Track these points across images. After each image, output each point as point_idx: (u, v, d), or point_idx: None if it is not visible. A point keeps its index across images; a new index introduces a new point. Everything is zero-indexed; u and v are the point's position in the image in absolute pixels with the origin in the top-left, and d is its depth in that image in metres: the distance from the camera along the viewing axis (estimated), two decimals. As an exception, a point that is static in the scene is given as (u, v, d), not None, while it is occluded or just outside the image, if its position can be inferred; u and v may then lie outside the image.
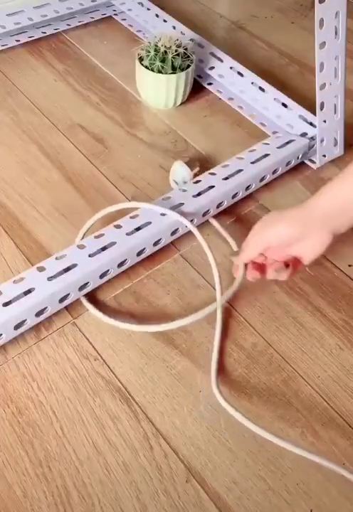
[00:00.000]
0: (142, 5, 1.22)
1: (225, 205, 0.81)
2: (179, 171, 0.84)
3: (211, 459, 0.59)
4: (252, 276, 0.67)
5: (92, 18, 1.20)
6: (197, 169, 0.84)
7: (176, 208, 0.76)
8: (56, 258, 0.68)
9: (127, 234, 0.72)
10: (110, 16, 1.22)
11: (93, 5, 1.21)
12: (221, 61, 1.07)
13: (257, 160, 0.84)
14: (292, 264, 0.65)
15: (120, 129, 0.95)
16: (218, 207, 0.80)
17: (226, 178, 0.81)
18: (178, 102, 1.00)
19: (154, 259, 0.76)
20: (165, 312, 0.71)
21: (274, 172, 0.86)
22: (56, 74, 1.06)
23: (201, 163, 0.87)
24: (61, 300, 0.67)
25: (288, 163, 0.88)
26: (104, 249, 0.70)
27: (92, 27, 1.19)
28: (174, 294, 0.73)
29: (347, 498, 0.57)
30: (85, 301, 0.70)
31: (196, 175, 0.83)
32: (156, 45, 0.95)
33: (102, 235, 0.72)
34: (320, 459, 0.59)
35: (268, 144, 0.88)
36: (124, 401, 0.63)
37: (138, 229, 0.73)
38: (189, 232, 0.78)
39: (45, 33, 1.13)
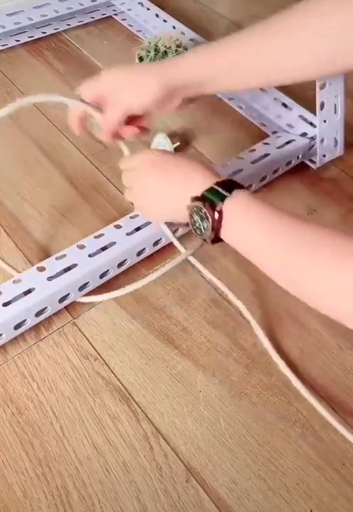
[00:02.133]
0: (142, 5, 1.22)
1: (225, 205, 0.81)
2: (161, 142, 0.87)
3: (211, 459, 0.59)
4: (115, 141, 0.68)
5: (92, 18, 1.20)
6: (178, 143, 0.88)
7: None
8: (56, 258, 0.68)
9: (127, 234, 0.72)
10: (110, 16, 1.22)
11: (93, 5, 1.21)
12: (221, 61, 1.06)
13: (257, 160, 0.84)
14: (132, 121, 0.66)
15: (120, 129, 0.95)
16: (218, 207, 0.80)
17: (226, 178, 0.81)
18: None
19: (154, 259, 0.76)
20: (165, 312, 0.71)
21: (274, 172, 0.86)
22: (56, 74, 1.05)
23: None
24: (61, 300, 0.67)
25: (288, 163, 0.88)
26: (104, 249, 0.70)
27: (92, 27, 1.19)
28: (174, 294, 0.73)
29: (347, 498, 0.57)
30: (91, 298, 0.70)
31: (176, 149, 0.88)
32: (156, 45, 0.95)
33: (102, 235, 0.72)
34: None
35: (268, 143, 0.88)
36: (124, 401, 0.63)
37: (138, 229, 0.73)
38: (189, 233, 0.78)
39: (45, 33, 1.13)
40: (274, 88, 0.99)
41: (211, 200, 0.50)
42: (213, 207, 0.49)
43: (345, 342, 0.70)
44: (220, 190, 0.50)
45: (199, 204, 0.50)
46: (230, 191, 0.49)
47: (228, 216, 0.49)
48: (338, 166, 0.93)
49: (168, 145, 0.86)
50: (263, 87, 0.66)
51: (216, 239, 0.51)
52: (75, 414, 0.61)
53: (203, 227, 0.50)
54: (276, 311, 0.72)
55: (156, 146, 0.87)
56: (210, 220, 0.49)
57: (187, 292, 0.73)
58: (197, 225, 0.51)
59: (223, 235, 0.50)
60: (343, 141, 0.93)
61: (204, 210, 0.50)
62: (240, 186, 0.51)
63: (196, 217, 0.51)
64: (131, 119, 0.67)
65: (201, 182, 0.52)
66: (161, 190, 0.57)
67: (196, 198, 0.51)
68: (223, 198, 0.49)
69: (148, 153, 0.62)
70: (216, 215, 0.49)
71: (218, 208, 0.49)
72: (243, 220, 0.49)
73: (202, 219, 0.50)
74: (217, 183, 0.51)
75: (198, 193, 0.51)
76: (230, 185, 0.51)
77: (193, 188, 0.52)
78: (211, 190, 0.50)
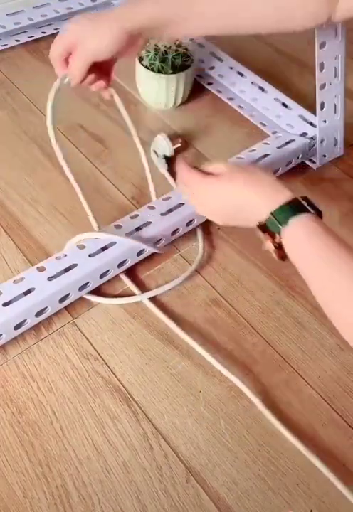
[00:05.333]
0: (142, 5, 1.22)
1: (225, 205, 0.81)
2: (161, 143, 0.87)
3: (211, 459, 0.59)
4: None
5: (92, 18, 1.20)
6: (179, 145, 0.88)
7: (176, 208, 0.76)
8: (56, 258, 0.68)
9: (127, 234, 0.72)
10: (110, 16, 1.22)
11: (93, 5, 1.21)
12: (221, 61, 1.07)
13: (258, 160, 0.84)
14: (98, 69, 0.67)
15: (120, 129, 0.95)
16: (218, 207, 0.80)
17: (226, 178, 0.81)
18: (178, 102, 1.00)
19: (154, 259, 0.76)
20: (165, 312, 0.71)
21: (274, 172, 0.86)
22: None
23: (201, 163, 0.87)
24: (61, 300, 0.67)
25: (288, 163, 0.88)
26: (104, 249, 0.70)
27: (92, 27, 1.19)
28: (174, 294, 0.73)
29: (347, 498, 0.57)
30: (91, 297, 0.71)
31: (177, 150, 0.87)
32: (156, 45, 0.95)
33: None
34: (320, 459, 0.59)
35: (268, 143, 0.88)
36: (124, 401, 0.63)
37: (138, 229, 0.73)
38: (189, 233, 0.78)
39: (45, 33, 1.13)
40: (274, 88, 0.99)
41: (271, 229, 0.53)
42: (273, 236, 0.53)
43: (345, 342, 0.70)
44: (276, 222, 0.52)
45: (261, 235, 0.54)
46: (287, 220, 0.51)
47: (289, 244, 0.52)
48: (338, 166, 0.93)
49: (168, 146, 0.86)
50: (221, 34, 0.67)
51: (284, 258, 0.54)
52: (75, 414, 0.61)
53: (269, 248, 0.54)
54: (276, 310, 0.72)
55: (155, 146, 0.87)
56: (271, 250, 0.54)
57: (187, 292, 0.73)
58: (262, 237, 0.55)
59: (289, 256, 0.53)
60: (343, 141, 0.93)
61: (265, 241, 0.54)
62: (300, 207, 0.52)
63: (260, 234, 0.54)
64: (98, 68, 0.68)
65: (262, 209, 0.54)
66: (232, 203, 0.59)
67: (259, 225, 0.54)
68: (279, 230, 0.52)
69: (208, 187, 0.61)
70: (276, 247, 0.53)
71: (277, 240, 0.53)
72: (304, 248, 0.51)
73: (265, 239, 0.54)
74: (278, 210, 0.52)
75: (261, 217, 0.54)
76: (290, 209, 0.52)
77: (258, 210, 0.54)
78: (269, 219, 0.53)
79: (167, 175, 0.85)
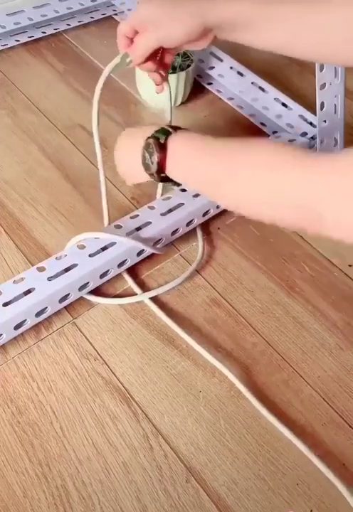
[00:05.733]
0: (142, 5, 1.22)
1: (225, 205, 0.81)
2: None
3: (211, 459, 0.59)
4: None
5: (92, 18, 1.20)
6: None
7: (176, 208, 0.76)
8: (56, 258, 0.68)
9: (128, 234, 0.72)
10: (110, 16, 1.22)
11: (93, 5, 1.21)
12: (221, 61, 1.07)
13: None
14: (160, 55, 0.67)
15: (120, 129, 0.95)
16: (218, 207, 0.80)
17: (226, 178, 0.81)
18: (178, 102, 1.00)
19: (154, 259, 0.76)
20: (165, 312, 0.71)
21: (274, 172, 0.86)
22: (56, 74, 1.05)
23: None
24: (61, 300, 0.67)
25: (288, 163, 0.88)
26: (104, 249, 0.70)
27: (92, 27, 1.19)
28: (174, 294, 0.73)
29: (347, 498, 0.57)
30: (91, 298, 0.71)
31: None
32: (156, 45, 0.95)
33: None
34: (320, 459, 0.59)
35: (268, 143, 0.88)
36: (124, 401, 0.63)
37: (138, 229, 0.73)
38: (189, 233, 0.78)
39: (45, 32, 1.13)
40: (274, 88, 0.99)
41: (157, 137, 0.56)
42: (159, 143, 0.56)
43: (345, 342, 0.70)
44: (167, 128, 0.56)
45: (149, 141, 0.56)
46: (176, 130, 0.56)
47: (172, 149, 0.55)
48: (338, 166, 0.93)
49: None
50: (300, 56, 0.67)
51: (162, 172, 0.57)
52: (75, 414, 0.61)
53: (151, 162, 0.56)
54: (276, 310, 0.72)
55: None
56: (155, 153, 0.55)
57: (187, 292, 0.73)
58: (146, 161, 0.57)
59: (168, 168, 0.56)
60: (343, 141, 0.93)
61: (151, 144, 0.56)
62: (186, 130, 0.57)
63: (146, 154, 0.57)
64: (156, 54, 0.66)
65: (153, 129, 0.58)
66: (127, 143, 0.65)
67: (147, 138, 0.57)
68: (168, 135, 0.55)
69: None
70: (160, 149, 0.55)
71: (161, 141, 0.55)
72: (184, 150, 0.55)
73: (151, 154, 0.56)
74: (168, 126, 0.57)
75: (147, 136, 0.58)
76: (177, 128, 0.57)
77: (150, 131, 0.58)
78: (159, 130, 0.57)
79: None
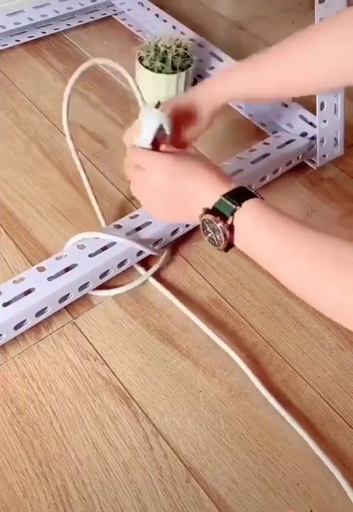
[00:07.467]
0: (142, 5, 1.22)
1: (225, 205, 0.81)
2: (150, 118, 0.65)
3: (211, 459, 0.59)
4: None
5: (92, 18, 1.20)
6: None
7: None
8: (56, 258, 0.68)
9: (127, 234, 0.72)
10: (110, 16, 1.22)
11: (93, 5, 1.21)
12: (221, 61, 1.07)
13: (257, 160, 0.84)
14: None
15: (120, 129, 0.95)
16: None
17: (226, 178, 0.81)
18: (179, 102, 1.00)
19: (154, 258, 0.76)
20: (165, 312, 0.71)
21: (274, 172, 0.86)
22: (56, 74, 1.05)
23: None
24: (61, 300, 0.67)
25: (288, 163, 0.88)
26: (104, 249, 0.70)
27: (92, 27, 1.19)
28: (174, 293, 0.73)
29: (347, 498, 0.57)
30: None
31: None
32: (156, 45, 0.95)
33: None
34: (320, 459, 0.59)
35: (268, 143, 0.88)
36: (124, 401, 0.63)
37: (138, 229, 0.73)
38: (189, 233, 0.78)
39: (45, 33, 1.13)
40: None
41: (222, 213, 0.50)
42: (224, 219, 0.50)
43: (345, 342, 0.70)
44: (229, 203, 0.50)
45: (211, 217, 0.51)
46: (240, 202, 0.50)
47: (239, 228, 0.50)
48: (338, 166, 0.93)
49: (163, 119, 0.63)
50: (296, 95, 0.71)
51: (229, 247, 0.53)
52: (75, 414, 0.61)
53: (216, 239, 0.52)
54: (276, 310, 0.72)
55: (145, 120, 0.65)
56: (222, 232, 0.50)
57: (187, 292, 0.73)
58: (210, 235, 0.52)
59: (235, 243, 0.51)
60: (343, 141, 0.93)
61: (215, 223, 0.50)
62: (251, 194, 0.51)
63: (209, 229, 0.52)
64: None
65: (214, 190, 0.52)
66: (174, 194, 0.57)
67: (207, 210, 0.52)
68: (233, 211, 0.50)
69: (159, 156, 0.59)
70: (227, 229, 0.50)
71: (229, 222, 0.50)
72: (254, 231, 0.50)
73: (214, 231, 0.51)
74: (228, 194, 0.51)
75: (210, 203, 0.52)
76: (240, 195, 0.51)
77: (206, 197, 0.53)
78: (221, 202, 0.51)
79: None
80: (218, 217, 0.50)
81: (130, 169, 0.61)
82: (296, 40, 0.63)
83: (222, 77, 0.68)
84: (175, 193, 0.56)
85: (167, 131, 0.61)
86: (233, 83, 0.66)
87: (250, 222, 0.49)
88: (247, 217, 0.50)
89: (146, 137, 0.60)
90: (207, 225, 0.52)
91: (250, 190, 0.52)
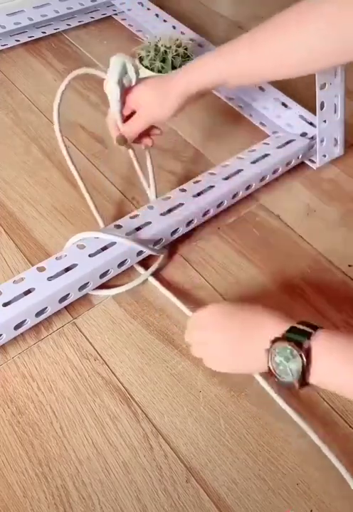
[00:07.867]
0: (142, 5, 1.22)
1: (225, 205, 0.81)
2: (119, 66, 0.66)
3: (211, 459, 0.59)
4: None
5: (92, 18, 1.20)
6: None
7: (176, 208, 0.76)
8: (56, 258, 0.68)
9: (127, 234, 0.72)
10: (110, 16, 1.22)
11: (93, 5, 1.21)
12: (221, 61, 1.06)
13: (257, 160, 0.84)
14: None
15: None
16: (218, 206, 0.80)
17: (226, 178, 0.81)
18: (178, 102, 1.00)
19: (154, 259, 0.76)
20: (165, 312, 0.71)
21: (274, 172, 0.86)
22: (56, 74, 1.06)
23: (201, 164, 0.87)
24: (61, 300, 0.67)
25: (288, 163, 0.88)
26: (104, 249, 0.70)
27: (92, 27, 1.19)
28: (174, 293, 0.73)
29: (347, 498, 0.57)
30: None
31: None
32: (156, 45, 0.95)
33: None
34: (320, 459, 0.59)
35: (268, 143, 0.88)
36: (124, 401, 0.63)
37: (138, 229, 0.73)
38: (189, 233, 0.78)
39: (45, 32, 1.13)
40: (274, 88, 0.99)
41: (296, 339, 0.48)
42: (299, 345, 0.48)
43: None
44: (304, 328, 0.49)
45: (284, 344, 0.48)
46: (313, 329, 0.49)
47: (315, 355, 0.48)
48: (338, 166, 0.93)
49: (126, 59, 0.66)
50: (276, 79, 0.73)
51: (304, 382, 0.49)
52: (75, 414, 0.61)
53: (290, 369, 0.48)
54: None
55: (114, 72, 0.66)
56: (299, 358, 0.47)
57: (187, 292, 0.73)
58: (281, 367, 0.49)
59: (312, 377, 0.48)
60: (343, 141, 0.93)
61: (291, 349, 0.48)
62: (315, 326, 0.50)
63: (280, 359, 0.49)
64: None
65: (275, 326, 0.51)
66: (234, 343, 0.55)
67: (277, 339, 0.49)
68: (308, 336, 0.48)
69: (210, 309, 0.58)
70: (306, 356, 0.47)
71: (305, 346, 0.47)
72: (328, 360, 0.48)
73: (288, 360, 0.48)
74: (298, 323, 0.50)
75: (274, 336, 0.50)
76: (309, 324, 0.50)
77: (267, 334, 0.50)
78: (292, 330, 0.49)
79: (118, 116, 0.69)
80: (293, 343, 0.48)
81: (192, 335, 0.61)
82: (284, 18, 0.62)
83: (197, 62, 0.68)
84: (236, 337, 0.55)
85: (129, 71, 0.65)
86: (206, 70, 0.66)
87: (324, 350, 0.48)
88: (319, 346, 0.48)
89: (112, 89, 0.66)
90: (277, 356, 0.49)
91: (313, 323, 0.50)
